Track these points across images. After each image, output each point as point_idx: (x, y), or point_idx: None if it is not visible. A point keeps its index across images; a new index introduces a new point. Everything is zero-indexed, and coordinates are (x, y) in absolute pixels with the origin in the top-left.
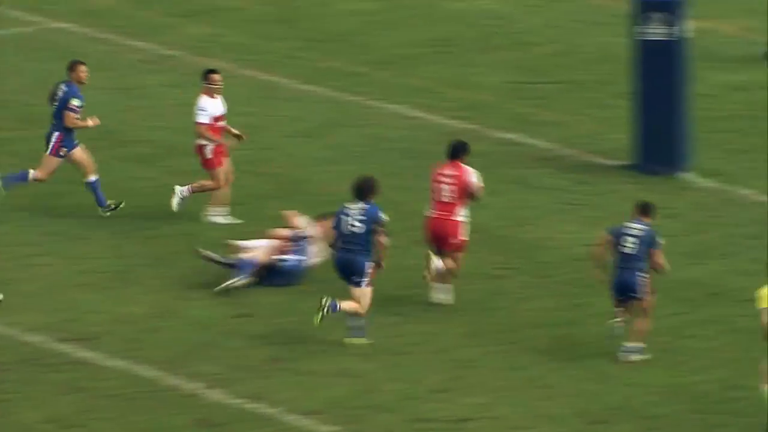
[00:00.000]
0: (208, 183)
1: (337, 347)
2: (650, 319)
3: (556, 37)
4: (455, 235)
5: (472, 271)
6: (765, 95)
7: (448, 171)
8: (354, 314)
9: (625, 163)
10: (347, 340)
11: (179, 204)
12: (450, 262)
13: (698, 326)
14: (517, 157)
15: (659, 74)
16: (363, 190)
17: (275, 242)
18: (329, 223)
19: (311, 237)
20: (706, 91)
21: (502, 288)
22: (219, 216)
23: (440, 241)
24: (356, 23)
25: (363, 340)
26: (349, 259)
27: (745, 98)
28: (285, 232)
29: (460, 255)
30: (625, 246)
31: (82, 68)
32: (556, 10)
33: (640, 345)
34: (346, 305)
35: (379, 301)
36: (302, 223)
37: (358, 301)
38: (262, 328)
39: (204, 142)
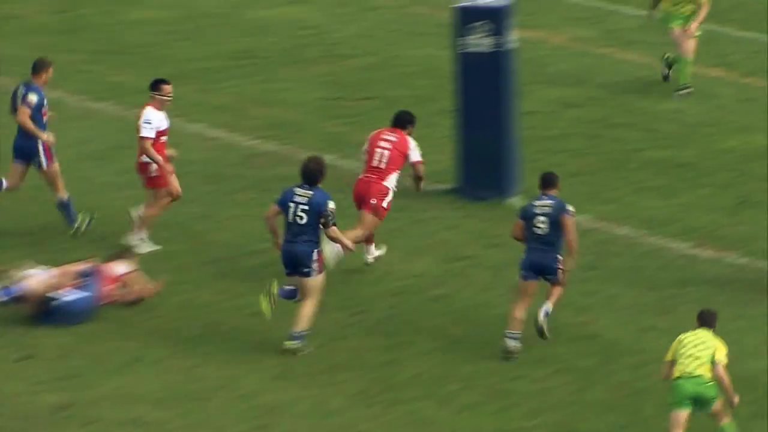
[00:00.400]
0: (151, 210)
1: (127, 393)
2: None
3: (371, 49)
4: (378, 198)
5: (282, 308)
6: (601, 111)
7: (388, 136)
8: (301, 319)
9: (447, 186)
10: (287, 343)
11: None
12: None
13: (528, 366)
14: (330, 180)
15: (484, 90)
16: (312, 174)
17: (56, 276)
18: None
19: (100, 273)
20: (536, 108)
21: (314, 325)
22: (144, 241)
23: (362, 202)
24: (150, 34)
25: (301, 347)
26: (293, 250)
27: (579, 115)
28: (76, 267)
29: (370, 220)
30: (537, 227)
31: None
32: (372, 19)
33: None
34: (302, 310)
35: (175, 342)
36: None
37: (311, 295)
38: (46, 372)
39: (148, 159)
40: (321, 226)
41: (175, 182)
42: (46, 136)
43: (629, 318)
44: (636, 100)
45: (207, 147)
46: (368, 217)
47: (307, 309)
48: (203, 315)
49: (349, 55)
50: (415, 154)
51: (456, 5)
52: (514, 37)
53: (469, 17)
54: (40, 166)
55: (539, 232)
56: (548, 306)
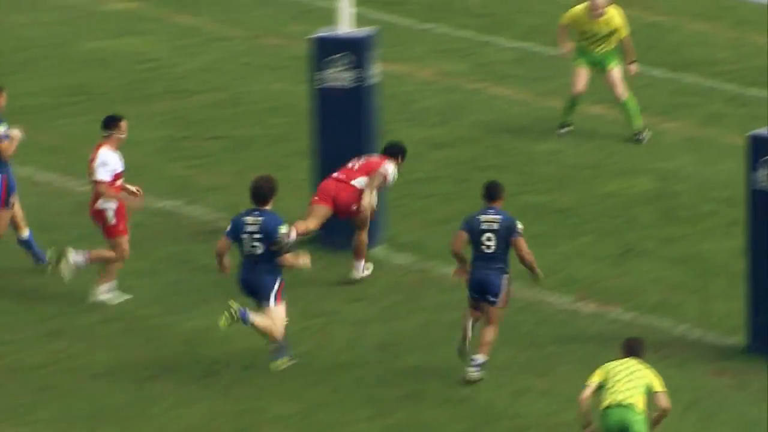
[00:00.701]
0: (110, 253)
1: None
2: (497, 328)
3: (219, 84)
4: (355, 202)
5: (115, 370)
6: (471, 152)
7: (371, 156)
8: (266, 334)
9: (303, 238)
10: (272, 365)
11: (72, 273)
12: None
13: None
14: (173, 229)
15: (344, 128)
16: (262, 193)
17: None
18: None
19: None
20: None
21: (154, 390)
22: (110, 294)
23: (334, 203)
24: None
25: (285, 360)
26: (253, 281)
27: (448, 156)
28: None
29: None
30: (483, 244)
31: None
32: (220, 51)
33: (486, 358)
34: (259, 321)
35: (3, 409)
36: None
37: (272, 322)
38: None
39: (105, 205)
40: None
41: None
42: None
43: (504, 379)
44: (510, 140)
45: (37, 192)
46: (323, 210)
47: (266, 323)
48: (35, 378)
49: (194, 91)
50: (389, 173)
51: (313, 36)
52: (376, 71)
53: (327, 49)
54: None
55: (486, 250)
56: (481, 358)
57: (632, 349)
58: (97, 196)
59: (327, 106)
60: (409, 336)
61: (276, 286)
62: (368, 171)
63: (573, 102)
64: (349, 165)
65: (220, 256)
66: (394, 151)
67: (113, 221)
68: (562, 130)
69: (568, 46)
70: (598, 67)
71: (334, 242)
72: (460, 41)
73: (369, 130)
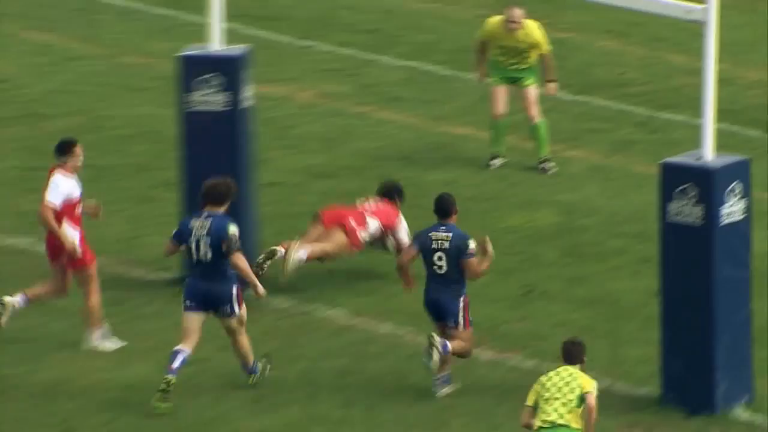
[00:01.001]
0: (90, 300)
1: None
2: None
3: (76, 108)
4: (358, 223)
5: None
6: (357, 182)
7: (376, 202)
8: (246, 347)
9: (173, 275)
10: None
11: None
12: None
13: None
14: (26, 269)
15: (215, 156)
16: (218, 194)
17: None
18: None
19: None
20: (279, 179)
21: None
22: (106, 340)
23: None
24: None
25: (254, 378)
26: (207, 290)
27: (331, 187)
28: None
29: (342, 241)
30: (435, 264)
31: None
32: (76, 71)
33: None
34: (246, 357)
35: None
36: None
37: (242, 333)
38: None
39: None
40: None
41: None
42: None
43: None
44: (399, 170)
45: None
46: (340, 236)
47: (244, 341)
48: None
49: (48, 115)
50: (402, 231)
51: (180, 54)
52: (251, 93)
53: (196, 69)
54: None
55: (438, 271)
56: (445, 374)
57: (570, 354)
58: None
59: (196, 132)
60: (288, 386)
61: (236, 293)
62: (380, 215)
63: (497, 127)
64: (358, 208)
65: (168, 257)
66: (395, 193)
67: (78, 253)
68: (494, 162)
69: (483, 70)
70: (515, 85)
71: None
72: (343, 60)
73: (243, 158)
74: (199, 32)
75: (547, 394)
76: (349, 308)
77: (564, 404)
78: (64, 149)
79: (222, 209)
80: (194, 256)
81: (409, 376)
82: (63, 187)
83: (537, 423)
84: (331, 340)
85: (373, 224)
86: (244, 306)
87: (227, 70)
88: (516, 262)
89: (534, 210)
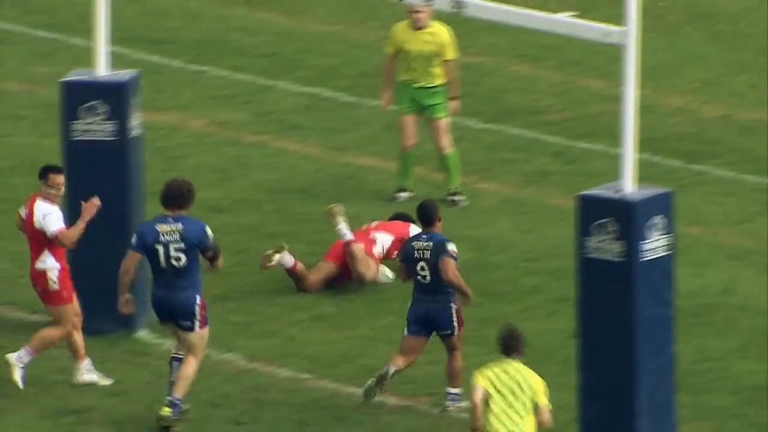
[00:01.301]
0: (52, 332)
1: None
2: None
3: None
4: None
5: None
6: (254, 217)
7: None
8: (186, 376)
9: None
10: (163, 412)
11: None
12: None
13: None
14: None
15: (102, 189)
16: (177, 196)
17: None
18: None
19: None
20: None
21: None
22: (92, 373)
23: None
24: None
25: (174, 413)
26: (170, 300)
27: (226, 223)
28: None
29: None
30: (418, 274)
31: None
32: None
33: (459, 389)
34: (181, 388)
35: None
36: None
37: (193, 353)
38: None
39: (45, 265)
40: (208, 261)
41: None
42: None
43: None
44: (299, 203)
45: None
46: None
47: (188, 370)
48: None
49: None
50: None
51: (63, 79)
52: (139, 122)
53: (80, 95)
54: None
55: (422, 281)
56: (454, 389)
57: (509, 346)
58: (39, 252)
59: (81, 163)
60: None
61: (200, 306)
62: (389, 228)
63: (405, 159)
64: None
65: (126, 275)
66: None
67: (57, 285)
68: (400, 195)
69: (388, 96)
70: (425, 114)
71: (92, 326)
72: (238, 86)
73: (131, 190)
74: (84, 56)
75: (497, 400)
76: (247, 352)
77: (517, 411)
78: (45, 176)
79: (185, 212)
80: (161, 263)
81: (305, 427)
82: (56, 212)
83: (492, 427)
84: (226, 385)
85: (384, 238)
86: (207, 327)
87: (114, 96)
88: None
89: None
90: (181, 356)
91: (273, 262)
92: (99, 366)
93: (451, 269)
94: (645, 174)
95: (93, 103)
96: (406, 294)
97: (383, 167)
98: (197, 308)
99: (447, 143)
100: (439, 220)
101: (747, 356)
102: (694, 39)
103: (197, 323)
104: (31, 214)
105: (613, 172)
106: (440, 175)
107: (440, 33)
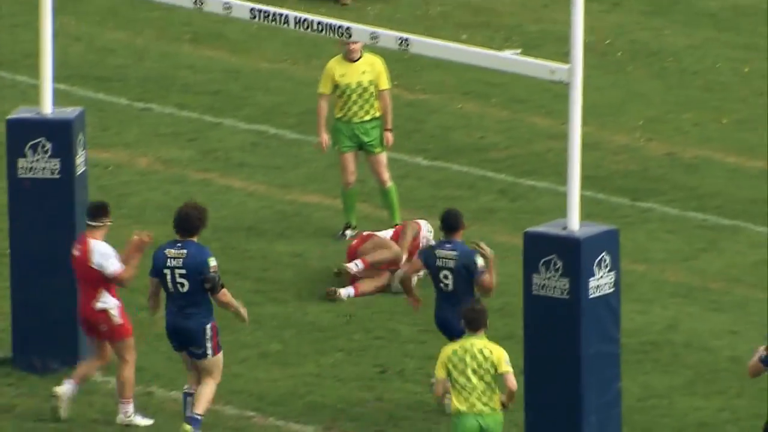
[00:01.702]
0: (126, 372)
1: None
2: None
3: None
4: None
5: None
6: None
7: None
8: (206, 395)
9: (5, 354)
10: (184, 428)
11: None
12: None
13: None
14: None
15: (45, 227)
16: (188, 222)
17: None
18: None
19: None
20: (119, 251)
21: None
22: (138, 417)
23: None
24: None
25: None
26: (179, 326)
27: None
28: None
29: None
30: (441, 282)
31: None
32: None
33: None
34: (200, 405)
35: None
36: None
37: (210, 375)
38: None
39: (105, 304)
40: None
41: None
42: None
43: None
44: (245, 241)
45: None
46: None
47: (207, 389)
48: None
49: None
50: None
51: (9, 117)
52: (84, 159)
53: (25, 133)
54: None
55: (444, 289)
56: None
57: (472, 320)
58: (95, 292)
59: (25, 201)
60: None
61: (210, 333)
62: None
63: (348, 196)
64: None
65: (152, 301)
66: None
67: (120, 319)
68: (346, 232)
69: (325, 137)
70: (364, 149)
71: (33, 363)
72: (185, 123)
73: (75, 229)
74: (29, 94)
75: (460, 377)
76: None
77: (483, 388)
78: (100, 213)
79: (195, 238)
80: (169, 288)
81: None
82: (110, 251)
83: (458, 406)
84: (172, 423)
85: (385, 233)
86: (221, 353)
87: (59, 134)
88: (370, 339)
89: None
90: (192, 392)
91: (340, 296)
92: (44, 404)
93: (487, 285)
94: (590, 211)
95: (38, 140)
96: (351, 331)
97: (328, 204)
98: (208, 334)
99: (387, 177)
100: (463, 228)
101: (692, 393)
102: (639, 76)
103: (210, 350)
104: (85, 253)
105: (560, 209)
106: (385, 212)
107: (376, 63)
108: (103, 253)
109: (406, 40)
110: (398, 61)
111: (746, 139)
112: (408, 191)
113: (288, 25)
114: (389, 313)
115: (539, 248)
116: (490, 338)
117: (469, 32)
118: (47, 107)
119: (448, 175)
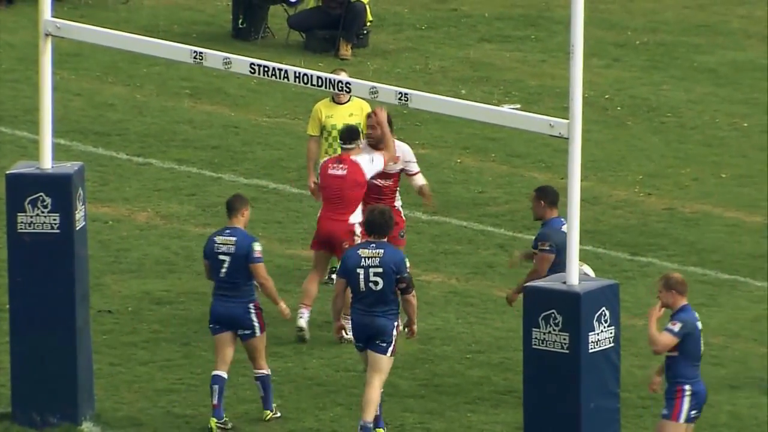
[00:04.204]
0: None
1: None
2: None
3: None
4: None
5: None
6: (201, 309)
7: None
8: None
9: (4, 409)
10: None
11: None
12: None
13: None
14: None
15: (44, 282)
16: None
17: None
18: None
19: None
20: (115, 306)
21: None
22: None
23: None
24: None
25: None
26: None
27: (173, 314)
28: None
29: None
30: (220, 270)
31: None
32: None
33: None
34: (368, 412)
35: None
36: None
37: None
38: None
39: (356, 222)
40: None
41: None
42: None
43: None
44: None
45: None
46: None
47: (374, 393)
48: None
49: None
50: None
51: (9, 171)
52: (84, 214)
53: (23, 187)
54: None
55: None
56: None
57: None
58: (351, 212)
59: (24, 256)
60: None
61: (256, 318)
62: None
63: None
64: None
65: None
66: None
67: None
68: (332, 276)
69: (315, 180)
70: None
71: (33, 419)
72: (183, 178)
73: (75, 284)
74: (29, 149)
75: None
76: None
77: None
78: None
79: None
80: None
81: None
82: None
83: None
84: None
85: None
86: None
87: (58, 189)
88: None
89: None
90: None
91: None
92: None
93: (262, 276)
94: (591, 266)
95: (38, 195)
96: (351, 386)
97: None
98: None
99: None
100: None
101: None
102: (638, 131)
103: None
104: (354, 170)
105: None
106: None
107: (365, 107)
108: (366, 163)
109: (406, 94)
110: (398, 115)
111: (746, 194)
112: (407, 246)
113: (288, 80)
114: None
115: (539, 302)
116: (491, 393)
117: (469, 87)
118: (47, 162)
119: (448, 229)
